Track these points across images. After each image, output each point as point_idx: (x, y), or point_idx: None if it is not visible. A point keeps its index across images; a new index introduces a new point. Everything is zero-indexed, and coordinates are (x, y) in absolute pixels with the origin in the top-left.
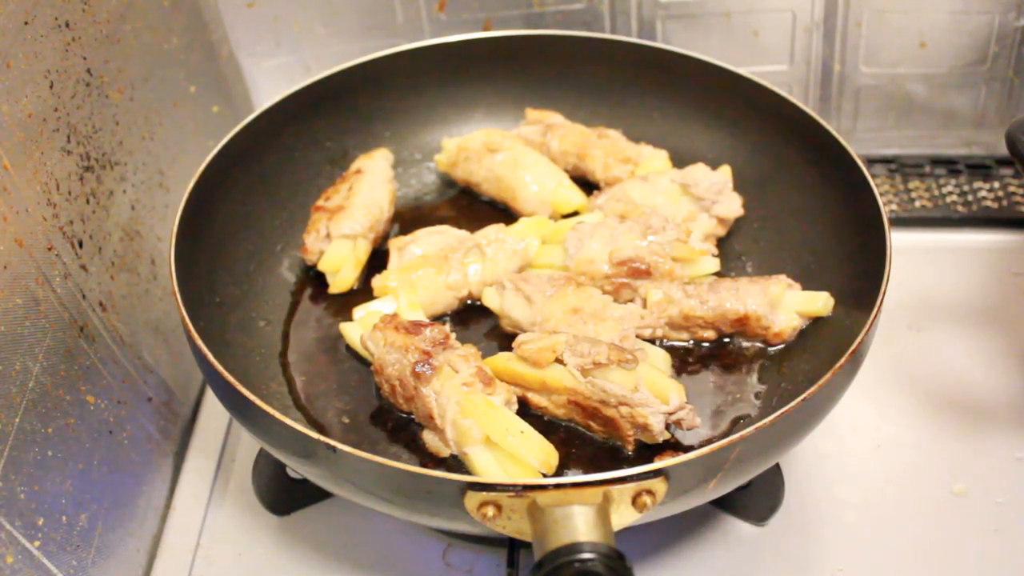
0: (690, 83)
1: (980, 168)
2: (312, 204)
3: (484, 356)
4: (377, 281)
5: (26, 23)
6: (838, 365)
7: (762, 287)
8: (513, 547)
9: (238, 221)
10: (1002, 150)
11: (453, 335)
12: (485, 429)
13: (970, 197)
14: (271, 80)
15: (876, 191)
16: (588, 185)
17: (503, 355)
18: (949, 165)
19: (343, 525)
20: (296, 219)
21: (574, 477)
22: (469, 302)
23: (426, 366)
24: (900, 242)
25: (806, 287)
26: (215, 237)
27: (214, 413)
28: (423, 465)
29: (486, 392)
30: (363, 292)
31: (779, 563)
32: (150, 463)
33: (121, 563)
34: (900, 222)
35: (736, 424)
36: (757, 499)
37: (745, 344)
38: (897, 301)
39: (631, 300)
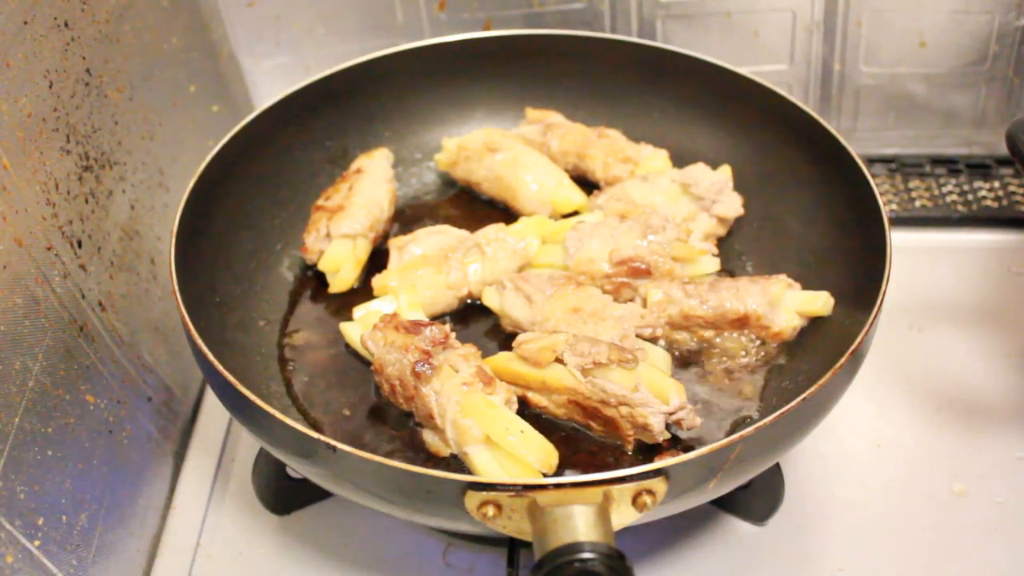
0: (690, 83)
1: (980, 168)
2: (312, 204)
3: (484, 356)
4: (377, 281)
5: (25, 23)
6: (838, 365)
7: (762, 287)
8: (513, 547)
9: (238, 221)
10: (1002, 150)
11: (453, 335)
12: (485, 429)
13: (970, 197)
14: (271, 80)
15: (876, 191)
16: (588, 185)
17: (503, 355)
18: (949, 165)
19: (343, 525)
20: (296, 219)
21: (574, 477)
22: (469, 302)
23: (426, 366)
24: (900, 242)
25: (806, 287)
26: (215, 237)
27: (214, 413)
28: (423, 465)
29: (486, 392)
30: (363, 292)
31: (779, 563)
32: (150, 463)
33: (121, 563)
34: (900, 222)
35: (736, 424)
36: (757, 499)
37: (745, 344)
38: (897, 301)
39: (631, 300)
